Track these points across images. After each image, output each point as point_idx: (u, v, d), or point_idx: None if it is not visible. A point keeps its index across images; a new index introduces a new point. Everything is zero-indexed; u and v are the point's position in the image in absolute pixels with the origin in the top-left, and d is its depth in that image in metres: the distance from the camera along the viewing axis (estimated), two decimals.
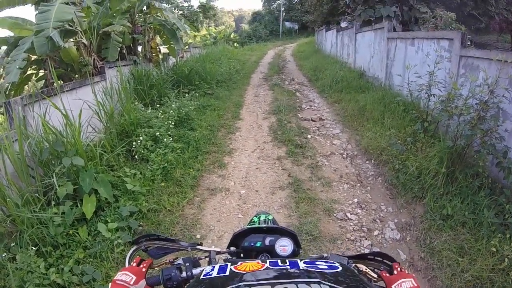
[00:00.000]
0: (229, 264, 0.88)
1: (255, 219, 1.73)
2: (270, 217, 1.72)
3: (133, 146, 4.72)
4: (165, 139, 4.91)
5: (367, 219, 3.82)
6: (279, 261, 0.87)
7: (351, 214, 3.92)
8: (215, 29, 35.53)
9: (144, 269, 1.05)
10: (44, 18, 5.04)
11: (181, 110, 6.09)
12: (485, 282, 2.71)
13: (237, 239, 1.27)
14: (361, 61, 10.71)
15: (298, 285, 0.70)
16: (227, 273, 0.83)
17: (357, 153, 5.50)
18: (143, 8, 9.03)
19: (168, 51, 11.27)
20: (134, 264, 1.07)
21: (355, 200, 4.19)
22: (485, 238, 3.08)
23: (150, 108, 6.14)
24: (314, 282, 0.72)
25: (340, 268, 0.84)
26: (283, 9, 40.85)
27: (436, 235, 3.32)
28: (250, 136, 6.40)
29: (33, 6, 6.58)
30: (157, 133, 4.96)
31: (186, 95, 7.70)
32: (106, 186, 3.70)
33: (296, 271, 0.82)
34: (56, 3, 5.43)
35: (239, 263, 0.88)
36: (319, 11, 18.33)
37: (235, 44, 30.48)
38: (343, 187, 4.51)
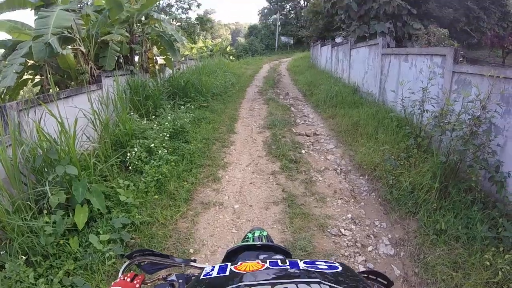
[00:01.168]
0: (229, 264, 0.88)
1: (250, 235, 1.72)
2: (265, 233, 1.71)
3: (127, 157, 4.70)
4: (159, 151, 4.89)
5: (361, 235, 3.82)
6: (279, 261, 0.88)
7: (345, 229, 3.91)
8: (212, 41, 35.88)
9: (137, 285, 1.04)
10: (43, 24, 5.05)
11: (176, 122, 6.09)
12: None
13: (230, 256, 1.28)
14: (355, 76, 10.86)
15: (298, 285, 0.70)
16: (227, 273, 0.83)
17: (351, 169, 5.53)
18: (142, 18, 9.10)
19: (164, 62, 11.34)
20: (128, 280, 1.06)
21: (349, 215, 4.19)
22: (478, 252, 3.11)
23: (145, 119, 6.14)
24: (314, 282, 0.72)
25: (340, 268, 0.85)
26: (279, 23, 41.41)
27: (430, 250, 3.33)
28: (244, 150, 6.40)
29: (33, 10, 6.59)
30: (152, 145, 4.95)
31: (182, 107, 7.71)
32: (99, 196, 3.68)
33: (296, 271, 0.82)
34: (56, 9, 5.45)
35: (239, 263, 0.89)
36: (315, 26, 18.67)
37: (231, 57, 30.74)
38: (337, 202, 4.51)
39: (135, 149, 4.79)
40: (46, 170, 3.63)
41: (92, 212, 3.58)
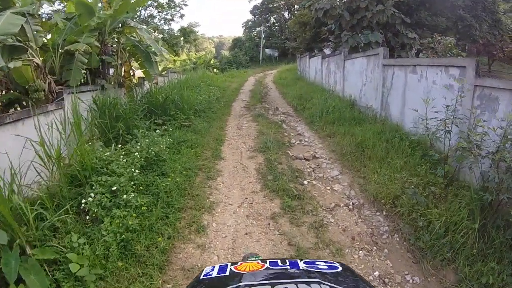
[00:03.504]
0: (229, 264, 0.88)
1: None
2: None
3: (84, 203, 3.59)
4: (124, 196, 3.72)
5: None
6: (279, 261, 0.88)
7: None
8: (196, 54, 35.00)
9: None
10: None
11: (150, 150, 4.98)
12: None
13: None
14: (351, 89, 9.99)
15: (298, 285, 0.70)
16: (227, 273, 0.83)
17: (363, 202, 4.61)
18: (118, 27, 8.12)
19: (143, 76, 10.54)
20: None
21: (376, 273, 3.27)
22: None
23: (113, 145, 5.06)
24: (314, 282, 0.72)
25: (340, 268, 0.84)
26: (263, 36, 40.90)
27: None
28: (234, 182, 5.27)
29: None
30: (116, 186, 3.80)
31: (159, 128, 6.68)
32: (38, 273, 2.63)
33: (296, 271, 0.82)
34: (7, 12, 4.42)
35: (239, 263, 0.89)
36: (302, 37, 17.98)
37: (215, 70, 29.93)
38: (358, 255, 3.53)
39: (95, 191, 3.69)
40: None
41: None
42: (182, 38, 24.52)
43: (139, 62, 9.85)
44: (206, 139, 7.25)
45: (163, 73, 16.40)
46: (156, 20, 23.16)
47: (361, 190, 4.90)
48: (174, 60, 25.80)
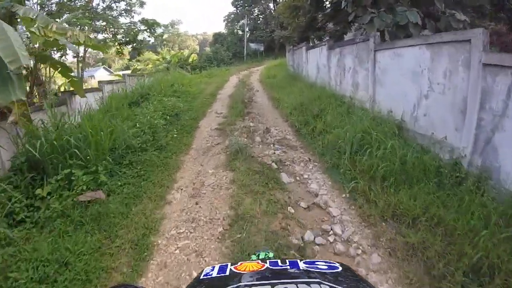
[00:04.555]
0: (229, 264, 0.85)
1: (254, 257, 1.61)
2: (271, 255, 1.63)
3: None
4: None
5: None
6: (279, 261, 0.85)
7: None
8: (172, 52, 30.93)
9: None
10: None
11: None
12: None
13: None
14: (390, 100, 5.94)
15: (298, 285, 0.69)
16: (227, 273, 0.81)
17: None
18: None
19: (72, 88, 7.17)
20: None
21: None
22: None
23: None
24: (314, 282, 0.70)
25: (340, 268, 0.82)
26: (247, 29, 36.73)
27: None
28: None
29: None
30: None
31: (36, 212, 2.70)
32: None
33: (296, 271, 0.80)
34: None
35: (239, 263, 0.86)
36: (295, 23, 14.02)
37: (196, 69, 25.85)
38: None
39: None
40: None
41: None
42: (146, 32, 20.09)
43: (59, 69, 6.65)
44: (113, 249, 3.05)
45: (118, 78, 12.76)
46: (114, 13, 18.77)
47: None
48: (138, 61, 21.53)
